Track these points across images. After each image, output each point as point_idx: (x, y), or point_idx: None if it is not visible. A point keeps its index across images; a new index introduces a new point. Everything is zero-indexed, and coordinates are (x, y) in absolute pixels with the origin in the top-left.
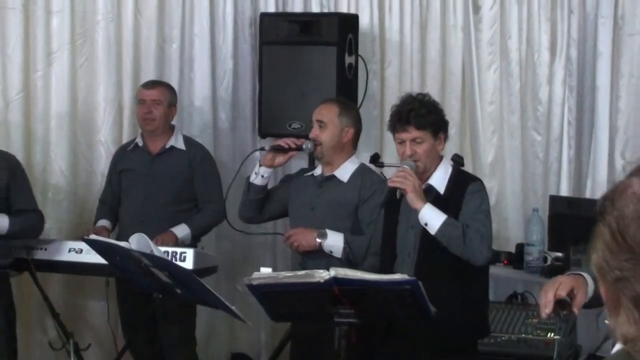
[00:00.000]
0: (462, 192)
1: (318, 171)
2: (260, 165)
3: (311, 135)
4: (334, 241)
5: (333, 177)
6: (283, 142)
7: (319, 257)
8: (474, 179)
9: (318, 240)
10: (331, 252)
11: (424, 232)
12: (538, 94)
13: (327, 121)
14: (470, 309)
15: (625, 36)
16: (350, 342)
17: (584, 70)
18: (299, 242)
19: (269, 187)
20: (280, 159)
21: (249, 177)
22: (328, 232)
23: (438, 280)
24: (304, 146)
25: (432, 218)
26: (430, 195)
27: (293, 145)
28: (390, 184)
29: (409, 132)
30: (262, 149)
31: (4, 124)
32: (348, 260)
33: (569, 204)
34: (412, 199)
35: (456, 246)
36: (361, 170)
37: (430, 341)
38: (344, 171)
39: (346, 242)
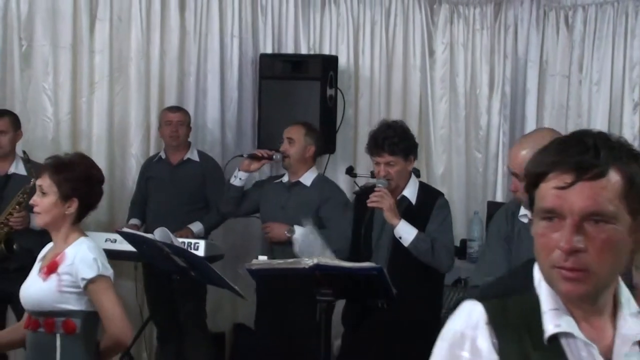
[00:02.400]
0: (431, 204)
1: (285, 178)
2: (239, 170)
3: (282, 149)
4: (300, 234)
5: (299, 182)
6: (258, 152)
7: (286, 246)
8: (440, 194)
9: (287, 234)
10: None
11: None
12: (479, 121)
13: (295, 139)
14: (431, 293)
15: (548, 76)
16: (329, 315)
17: (515, 103)
18: (272, 233)
19: (245, 188)
20: (255, 165)
21: (229, 180)
22: (295, 227)
23: (408, 273)
24: (274, 156)
25: (406, 233)
26: (404, 203)
27: (265, 155)
28: (369, 204)
29: (383, 157)
30: (241, 155)
31: (56, 139)
32: None
33: None
34: (389, 216)
35: (425, 257)
36: (320, 178)
37: (401, 319)
38: (307, 178)
39: None
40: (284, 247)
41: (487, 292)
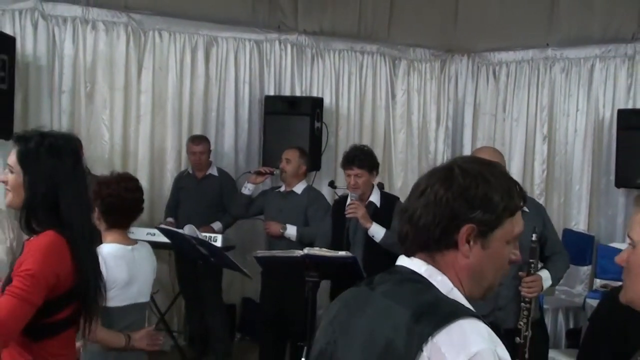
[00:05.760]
0: (392, 205)
1: (283, 188)
2: (247, 183)
3: (280, 166)
4: (291, 231)
5: (292, 191)
6: (262, 169)
7: (281, 239)
8: (397, 198)
9: (281, 231)
10: (289, 237)
11: (367, 232)
12: (429, 148)
13: (292, 159)
14: None
15: (481, 114)
16: (314, 292)
17: (456, 135)
18: (269, 230)
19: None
20: (259, 179)
21: (240, 190)
22: (287, 226)
23: (378, 260)
24: (274, 172)
25: (377, 233)
26: (372, 206)
27: (267, 171)
28: (347, 215)
29: (354, 170)
30: (249, 172)
31: (110, 158)
32: (300, 242)
33: None
34: (363, 222)
35: (393, 248)
36: (308, 188)
37: None
38: (299, 188)
39: (298, 232)
40: (279, 240)
41: (461, 310)
